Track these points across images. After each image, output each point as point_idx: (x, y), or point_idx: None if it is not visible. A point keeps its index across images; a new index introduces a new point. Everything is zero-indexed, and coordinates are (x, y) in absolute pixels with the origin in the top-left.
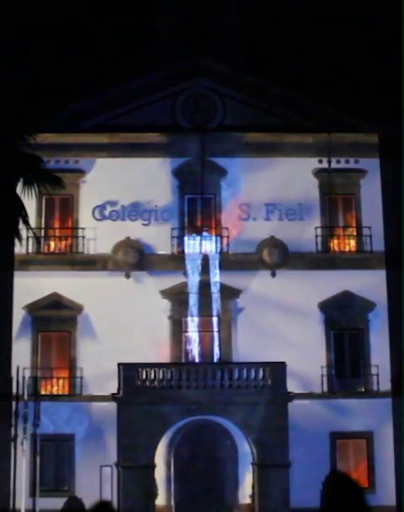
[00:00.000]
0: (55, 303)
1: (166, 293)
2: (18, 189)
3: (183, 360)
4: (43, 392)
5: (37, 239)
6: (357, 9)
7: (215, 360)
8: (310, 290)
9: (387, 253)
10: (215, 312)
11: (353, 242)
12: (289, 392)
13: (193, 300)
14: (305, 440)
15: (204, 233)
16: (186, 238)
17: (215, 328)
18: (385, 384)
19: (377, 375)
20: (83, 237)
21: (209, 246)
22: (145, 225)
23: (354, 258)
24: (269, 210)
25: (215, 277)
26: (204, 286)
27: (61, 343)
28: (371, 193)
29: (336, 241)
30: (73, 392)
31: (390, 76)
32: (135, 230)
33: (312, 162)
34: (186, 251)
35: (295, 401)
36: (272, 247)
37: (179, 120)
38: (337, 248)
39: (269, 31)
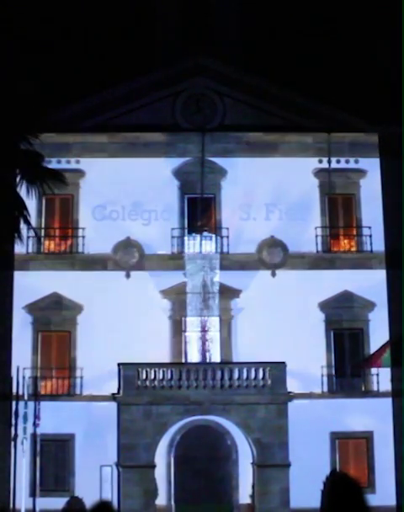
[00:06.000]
0: (55, 303)
1: (166, 293)
2: (22, 188)
3: (183, 360)
4: (43, 392)
5: (37, 239)
6: (357, 9)
7: (215, 360)
8: (311, 290)
9: (387, 253)
10: (215, 312)
11: (353, 242)
12: (289, 392)
13: (193, 300)
14: (305, 440)
15: (204, 233)
16: (186, 238)
17: (215, 328)
18: (385, 384)
19: (377, 375)
20: (83, 237)
21: (209, 246)
22: (145, 225)
23: (354, 258)
24: (269, 210)
25: (215, 277)
26: (204, 286)
27: (61, 343)
28: (371, 193)
29: (336, 241)
30: (73, 392)
31: (391, 76)
32: (135, 230)
33: (312, 162)
34: (186, 251)
35: (294, 401)
36: (272, 247)
37: (179, 120)
38: (337, 248)
39: (269, 31)
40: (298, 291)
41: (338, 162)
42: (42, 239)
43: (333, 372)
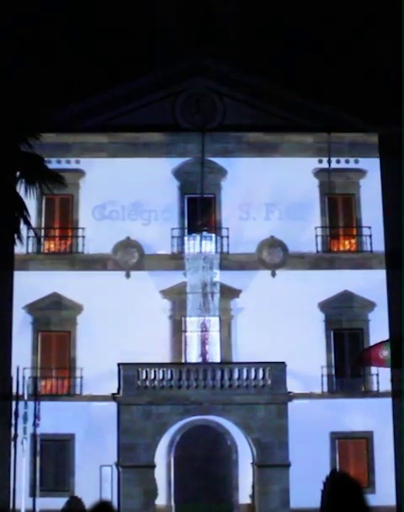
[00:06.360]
0: (55, 303)
1: (166, 293)
2: (21, 189)
3: (183, 360)
4: (43, 392)
5: (37, 239)
6: (357, 9)
7: (215, 360)
8: (310, 290)
9: (387, 253)
10: (215, 312)
11: (353, 242)
12: (289, 392)
13: (193, 300)
14: (305, 440)
15: (204, 233)
16: (186, 238)
17: (215, 328)
18: (385, 384)
19: (377, 375)
20: (83, 237)
21: (209, 246)
22: (145, 225)
23: (354, 258)
24: (269, 210)
25: (215, 277)
26: (204, 286)
27: (61, 343)
28: (371, 193)
29: (336, 241)
30: (73, 391)
31: (391, 76)
32: (135, 230)
33: (312, 162)
34: (186, 251)
35: (294, 401)
36: (272, 247)
37: (179, 120)
38: (337, 248)
39: (269, 31)
40: (298, 291)
41: (338, 162)
42: (42, 239)
43: (333, 372)
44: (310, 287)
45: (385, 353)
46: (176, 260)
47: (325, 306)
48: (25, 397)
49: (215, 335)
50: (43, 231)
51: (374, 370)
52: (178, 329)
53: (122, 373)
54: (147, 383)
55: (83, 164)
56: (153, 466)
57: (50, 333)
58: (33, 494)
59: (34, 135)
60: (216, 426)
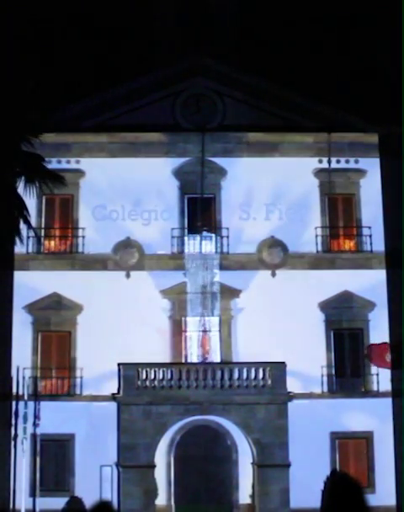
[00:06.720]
0: (55, 303)
1: (166, 293)
2: (20, 188)
3: (183, 360)
4: (43, 392)
5: (37, 239)
6: (357, 9)
7: (215, 360)
8: (311, 290)
9: (387, 253)
10: (215, 312)
11: (353, 242)
12: (289, 392)
13: (193, 300)
14: (305, 440)
15: (204, 233)
16: (186, 238)
17: (215, 328)
18: (385, 384)
19: (377, 375)
20: (83, 237)
21: (209, 246)
22: (145, 225)
23: (354, 258)
24: (269, 210)
25: (215, 277)
26: (204, 286)
27: (61, 343)
28: (371, 193)
29: (336, 241)
30: (73, 391)
31: (391, 76)
32: (135, 230)
33: (312, 162)
34: (186, 251)
35: (294, 401)
36: (272, 247)
37: (179, 120)
38: (337, 248)
39: (269, 31)
40: (298, 291)
41: (338, 162)
42: (42, 239)
43: (333, 372)
44: (311, 287)
45: (390, 356)
46: (176, 260)
47: (325, 306)
48: (25, 397)
49: (215, 335)
50: (43, 231)
51: (374, 370)
52: (177, 329)
53: (122, 373)
54: (147, 383)
55: (83, 164)
56: (153, 466)
57: (50, 333)
58: (33, 494)
59: (34, 134)
60: (216, 426)
